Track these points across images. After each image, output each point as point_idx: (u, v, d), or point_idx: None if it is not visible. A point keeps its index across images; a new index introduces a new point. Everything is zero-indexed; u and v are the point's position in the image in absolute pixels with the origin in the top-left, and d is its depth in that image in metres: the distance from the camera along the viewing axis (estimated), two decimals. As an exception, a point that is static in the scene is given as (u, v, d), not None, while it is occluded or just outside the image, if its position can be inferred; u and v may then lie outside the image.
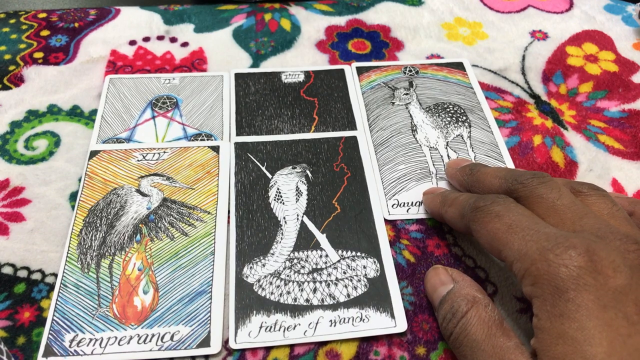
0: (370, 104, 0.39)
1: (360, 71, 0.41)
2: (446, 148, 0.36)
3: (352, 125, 0.37)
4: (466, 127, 0.37)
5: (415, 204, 0.33)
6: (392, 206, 0.33)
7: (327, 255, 0.30)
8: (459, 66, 0.42)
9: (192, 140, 0.36)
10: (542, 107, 0.39)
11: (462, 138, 0.37)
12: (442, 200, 0.30)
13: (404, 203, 0.33)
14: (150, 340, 0.27)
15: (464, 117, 0.38)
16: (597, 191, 0.26)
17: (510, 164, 0.35)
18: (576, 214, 0.24)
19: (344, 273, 0.29)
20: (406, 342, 0.27)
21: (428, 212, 0.32)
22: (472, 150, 0.36)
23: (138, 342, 0.27)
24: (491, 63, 0.43)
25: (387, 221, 0.32)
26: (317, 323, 0.27)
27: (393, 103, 0.39)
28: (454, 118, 0.38)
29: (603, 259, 0.21)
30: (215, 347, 0.27)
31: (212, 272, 0.29)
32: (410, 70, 0.41)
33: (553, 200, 0.25)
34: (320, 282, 0.29)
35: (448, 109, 0.38)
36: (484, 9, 0.48)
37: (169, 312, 0.28)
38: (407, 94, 0.39)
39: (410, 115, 0.38)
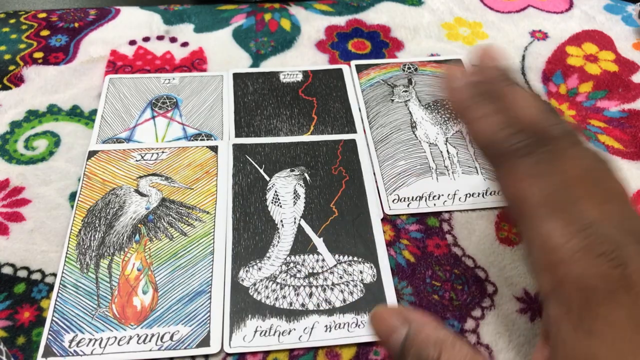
0: (369, 101, 0.39)
1: (360, 69, 0.41)
2: (446, 144, 0.36)
3: (351, 125, 0.37)
4: None
5: (415, 199, 0.33)
6: (393, 201, 0.33)
7: (323, 260, 0.30)
8: (457, 63, 0.42)
9: (192, 140, 0.36)
10: (542, 107, 0.39)
11: (462, 134, 0.37)
12: (476, 95, 0.22)
13: (405, 198, 0.33)
14: (149, 340, 0.27)
15: None
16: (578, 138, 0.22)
17: None
18: (602, 195, 0.20)
19: (341, 278, 0.29)
20: (405, 342, 0.27)
21: (449, 98, 0.24)
22: (472, 146, 0.36)
23: (138, 342, 0.27)
24: (491, 63, 0.43)
25: (387, 220, 0.32)
26: (312, 328, 0.27)
27: (392, 100, 0.39)
28: (453, 114, 0.38)
29: (635, 270, 0.18)
30: (214, 346, 0.27)
31: (212, 272, 0.29)
32: (409, 68, 0.42)
33: (584, 170, 0.21)
34: (317, 286, 0.29)
35: (447, 106, 0.39)
36: (484, 9, 0.48)
37: (169, 312, 0.28)
38: (406, 91, 0.40)
39: (410, 112, 0.38)
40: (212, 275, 0.29)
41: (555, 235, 0.19)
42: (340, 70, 0.41)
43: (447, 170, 0.35)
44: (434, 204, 0.33)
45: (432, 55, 0.43)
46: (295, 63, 0.42)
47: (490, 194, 0.34)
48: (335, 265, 0.30)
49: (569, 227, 0.19)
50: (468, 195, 0.33)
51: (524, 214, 0.21)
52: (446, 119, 0.38)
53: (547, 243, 0.20)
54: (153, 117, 0.37)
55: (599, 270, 0.18)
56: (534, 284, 0.29)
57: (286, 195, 0.33)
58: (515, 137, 0.21)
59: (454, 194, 0.33)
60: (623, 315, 0.18)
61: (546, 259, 0.20)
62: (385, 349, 0.25)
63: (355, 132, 0.37)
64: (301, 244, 0.31)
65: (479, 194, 0.34)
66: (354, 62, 0.42)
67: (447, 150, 0.36)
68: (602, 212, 0.20)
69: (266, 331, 0.27)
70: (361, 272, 0.29)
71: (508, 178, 0.21)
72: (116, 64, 0.41)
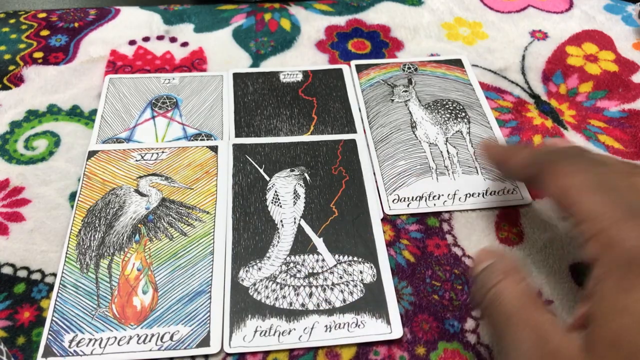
0: (369, 101, 0.39)
1: (360, 69, 0.41)
2: (446, 144, 0.36)
3: (351, 125, 0.37)
4: (465, 123, 0.38)
5: (415, 199, 0.33)
6: (393, 201, 0.33)
7: (323, 260, 0.30)
8: (457, 63, 0.42)
9: (192, 140, 0.36)
10: (542, 107, 0.39)
11: (462, 134, 0.37)
12: (511, 147, 0.29)
13: (405, 198, 0.33)
14: (149, 340, 0.27)
15: (463, 114, 0.38)
16: None
17: None
18: None
19: (341, 278, 0.29)
20: (406, 342, 0.27)
21: (487, 159, 0.30)
22: (472, 146, 0.36)
23: (138, 342, 0.27)
24: (491, 63, 0.43)
25: (387, 220, 0.32)
26: (312, 328, 0.27)
27: (392, 100, 0.39)
28: (453, 114, 0.38)
29: None
30: (215, 346, 0.27)
31: (212, 272, 0.29)
32: (409, 68, 0.42)
33: (626, 172, 0.24)
34: (316, 286, 0.29)
35: (447, 106, 0.39)
36: (484, 9, 0.48)
37: (169, 312, 0.28)
38: (406, 91, 0.40)
39: (410, 112, 0.38)
40: (212, 275, 0.29)
41: (600, 207, 0.22)
42: (340, 70, 0.41)
43: (447, 170, 0.35)
44: (434, 204, 0.33)
45: (432, 55, 0.43)
46: (295, 63, 0.42)
47: (490, 194, 0.34)
48: (335, 265, 0.30)
49: (612, 203, 0.22)
50: (468, 195, 0.33)
51: (571, 199, 0.23)
52: (446, 119, 0.38)
53: (593, 214, 0.22)
54: (153, 117, 0.37)
55: None
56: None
57: (286, 195, 0.33)
58: (555, 150, 0.26)
59: (454, 194, 0.33)
60: None
61: (593, 228, 0.22)
62: (472, 276, 0.27)
63: (355, 132, 0.37)
64: (301, 244, 0.31)
65: (479, 194, 0.34)
66: (354, 62, 0.42)
67: (447, 150, 0.36)
68: None
69: (266, 331, 0.27)
70: (361, 272, 0.29)
71: (552, 178, 0.24)
72: (116, 64, 0.41)
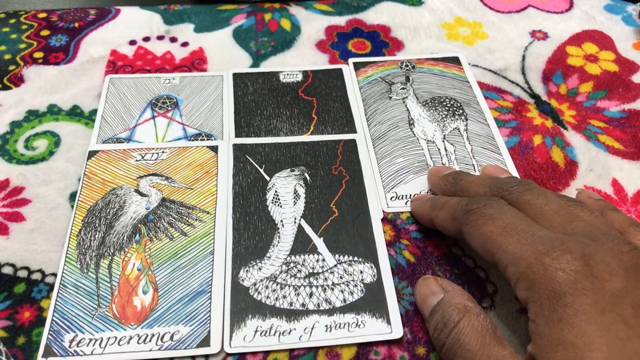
0: (367, 98, 0.39)
1: (357, 66, 0.42)
2: (443, 141, 0.36)
3: (351, 125, 0.37)
4: (463, 120, 0.38)
5: (413, 197, 0.33)
6: (391, 199, 0.33)
7: (324, 260, 0.30)
8: (454, 61, 0.42)
9: (192, 140, 0.36)
10: (542, 107, 0.39)
11: (459, 131, 0.37)
12: (431, 205, 0.30)
13: (402, 196, 0.33)
14: (150, 340, 0.27)
15: (461, 111, 0.38)
16: (574, 202, 0.26)
17: (506, 156, 0.36)
18: (565, 218, 0.24)
19: (341, 278, 0.29)
20: (406, 342, 0.27)
21: (417, 218, 0.32)
22: (469, 143, 0.36)
23: (138, 342, 0.27)
24: (491, 63, 0.43)
25: (387, 220, 0.32)
26: (312, 328, 0.27)
27: (390, 97, 0.39)
28: (450, 111, 0.38)
29: (599, 262, 0.21)
30: (215, 346, 0.27)
31: (212, 271, 0.29)
32: (406, 65, 0.42)
33: (541, 206, 0.25)
34: (317, 286, 0.29)
35: (444, 103, 0.39)
36: (484, 9, 0.48)
37: (169, 312, 0.28)
38: (403, 88, 0.40)
39: (407, 109, 0.38)
40: (212, 275, 0.29)
41: (519, 248, 0.22)
42: (340, 70, 0.41)
43: (447, 170, 0.35)
44: (434, 204, 0.33)
45: (431, 53, 0.43)
46: (295, 63, 0.42)
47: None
48: (335, 265, 0.30)
49: (531, 243, 0.22)
50: (468, 195, 0.33)
51: (493, 244, 0.24)
52: (443, 116, 0.38)
53: (514, 256, 0.23)
54: (153, 117, 0.37)
55: (561, 265, 0.21)
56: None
57: (286, 195, 0.33)
58: (471, 201, 0.26)
59: (454, 194, 0.33)
60: (588, 301, 0.20)
61: (518, 268, 0.22)
62: (420, 311, 0.27)
63: (355, 132, 0.37)
64: (301, 244, 0.31)
65: (479, 193, 0.34)
66: (351, 60, 0.42)
67: (445, 148, 0.36)
68: (558, 229, 0.24)
69: (266, 331, 0.27)
70: (361, 272, 0.29)
71: (473, 229, 0.25)
72: (116, 64, 0.41)
